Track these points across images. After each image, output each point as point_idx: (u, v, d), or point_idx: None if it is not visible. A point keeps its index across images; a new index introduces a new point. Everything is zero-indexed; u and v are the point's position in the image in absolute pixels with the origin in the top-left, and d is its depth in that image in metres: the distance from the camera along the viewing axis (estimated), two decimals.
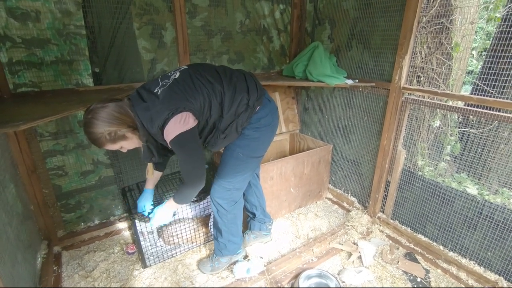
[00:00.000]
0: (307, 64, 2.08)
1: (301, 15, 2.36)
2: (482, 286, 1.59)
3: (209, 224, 1.90)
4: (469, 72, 3.34)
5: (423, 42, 1.85)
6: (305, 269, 1.68)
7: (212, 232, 1.86)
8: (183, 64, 1.95)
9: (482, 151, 1.66)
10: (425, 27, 1.81)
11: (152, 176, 1.59)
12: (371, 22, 1.91)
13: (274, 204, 2.12)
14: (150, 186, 1.61)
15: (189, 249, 1.87)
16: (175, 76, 1.25)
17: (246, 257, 1.79)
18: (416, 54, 1.82)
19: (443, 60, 1.94)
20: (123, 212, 2.13)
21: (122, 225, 2.06)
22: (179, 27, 1.87)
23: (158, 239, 1.87)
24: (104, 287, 1.59)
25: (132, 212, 1.61)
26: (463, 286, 1.61)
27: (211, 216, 1.90)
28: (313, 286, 1.62)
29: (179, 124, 1.15)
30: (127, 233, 2.02)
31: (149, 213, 1.52)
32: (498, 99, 1.42)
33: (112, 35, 1.74)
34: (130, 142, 1.22)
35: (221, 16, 2.07)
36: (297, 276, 1.64)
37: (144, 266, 1.71)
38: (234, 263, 1.72)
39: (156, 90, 1.20)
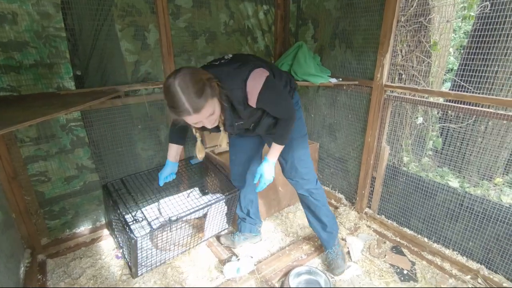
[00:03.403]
0: (292, 63, 2.10)
1: (284, 15, 2.38)
2: (466, 283, 1.64)
3: (205, 226, 1.83)
4: (450, 70, 3.45)
5: (403, 41, 1.90)
6: (295, 266, 1.70)
7: (316, 230, 1.76)
8: (168, 65, 1.94)
9: (461, 145, 1.72)
10: (404, 26, 1.86)
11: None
12: (352, 22, 1.95)
13: (263, 204, 2.13)
14: (174, 159, 1.57)
15: (182, 253, 1.82)
16: (228, 56, 1.29)
17: (236, 256, 1.79)
18: (397, 52, 1.87)
19: (422, 58, 2.00)
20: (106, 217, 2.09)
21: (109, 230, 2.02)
22: (162, 29, 1.86)
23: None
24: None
25: (125, 218, 1.52)
26: (453, 287, 1.66)
27: (207, 216, 1.81)
28: (303, 283, 1.63)
29: (264, 72, 1.20)
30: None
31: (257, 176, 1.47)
32: (474, 94, 1.47)
33: (94, 37, 1.71)
34: (216, 105, 1.11)
35: (205, 17, 2.07)
36: (287, 274, 1.65)
37: (136, 275, 1.62)
38: (224, 263, 1.72)
39: (217, 63, 1.23)
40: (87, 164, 1.90)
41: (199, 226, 1.91)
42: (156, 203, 1.90)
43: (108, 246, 1.91)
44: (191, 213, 1.65)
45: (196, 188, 1.85)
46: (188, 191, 1.78)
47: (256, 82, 1.17)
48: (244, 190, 1.81)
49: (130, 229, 1.44)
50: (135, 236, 1.39)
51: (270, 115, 1.35)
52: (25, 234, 1.74)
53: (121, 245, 1.64)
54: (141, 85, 1.92)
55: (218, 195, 1.84)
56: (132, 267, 1.56)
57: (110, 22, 1.73)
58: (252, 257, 1.79)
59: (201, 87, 1.02)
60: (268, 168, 1.44)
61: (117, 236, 1.80)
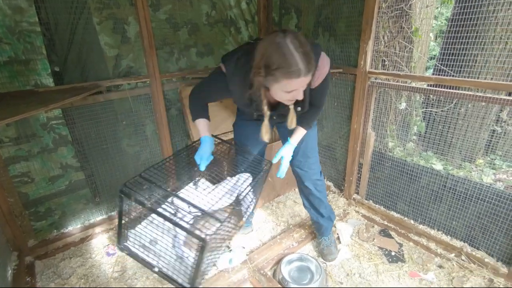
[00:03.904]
0: None
1: (267, 4, 2.36)
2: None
3: (242, 211, 1.40)
4: (433, 57, 3.51)
5: (385, 27, 1.92)
6: (286, 254, 1.72)
7: (315, 218, 1.75)
8: (150, 59, 1.90)
9: (443, 128, 1.77)
10: (386, 13, 1.88)
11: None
12: (335, 10, 1.95)
13: None
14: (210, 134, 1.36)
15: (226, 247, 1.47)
16: None
17: (228, 247, 1.80)
18: (380, 39, 1.89)
19: (404, 44, 2.02)
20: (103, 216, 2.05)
21: (99, 228, 1.99)
22: (142, 21, 1.81)
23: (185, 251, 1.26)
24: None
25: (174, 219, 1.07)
26: None
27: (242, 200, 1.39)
28: (295, 270, 1.66)
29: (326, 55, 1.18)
30: (104, 236, 1.96)
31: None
32: (454, 78, 1.51)
33: (71, 31, 1.66)
34: None
35: (186, 8, 2.03)
36: (278, 262, 1.68)
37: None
38: None
39: None
40: (71, 163, 1.86)
41: (237, 213, 1.46)
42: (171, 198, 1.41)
43: (98, 244, 1.89)
44: (245, 196, 1.33)
45: (202, 179, 1.45)
46: (194, 180, 1.42)
47: (325, 63, 1.14)
48: None
49: (195, 228, 1.08)
50: (206, 235, 1.02)
51: (302, 101, 1.23)
52: (10, 237, 1.70)
53: (154, 262, 1.14)
54: (123, 80, 1.87)
55: (242, 175, 1.46)
56: (195, 278, 1.10)
57: (87, 15, 1.68)
58: (244, 248, 1.81)
59: (310, 49, 0.96)
60: (290, 151, 1.42)
61: (147, 249, 1.21)
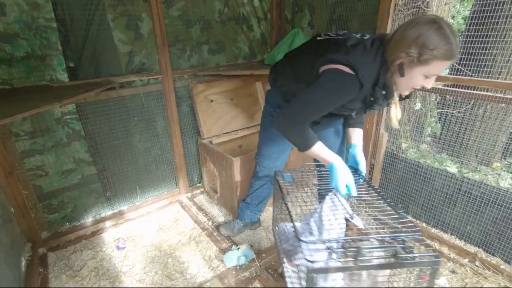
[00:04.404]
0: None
1: (280, 2, 2.34)
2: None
3: (358, 224, 1.22)
4: None
5: None
6: None
7: None
8: (163, 56, 1.91)
9: (460, 130, 1.72)
10: (402, 11, 1.83)
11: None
12: (349, 7, 1.92)
13: None
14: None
15: None
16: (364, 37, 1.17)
17: (236, 245, 1.80)
18: None
19: None
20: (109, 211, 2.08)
21: (109, 222, 2.03)
22: (155, 18, 1.82)
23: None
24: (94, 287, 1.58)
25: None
26: None
27: (351, 214, 1.23)
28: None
29: None
30: (114, 230, 1.99)
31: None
32: (472, 78, 1.46)
33: (86, 27, 1.68)
34: None
35: (199, 5, 2.03)
36: None
37: None
38: (224, 252, 1.73)
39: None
40: (84, 157, 1.89)
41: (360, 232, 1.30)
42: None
43: (108, 238, 1.92)
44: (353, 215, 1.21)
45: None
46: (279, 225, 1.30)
47: None
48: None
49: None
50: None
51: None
52: (25, 228, 1.74)
53: None
54: (136, 76, 1.89)
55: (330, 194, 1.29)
56: None
57: (102, 12, 1.69)
58: (252, 246, 1.81)
59: None
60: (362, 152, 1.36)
61: None
